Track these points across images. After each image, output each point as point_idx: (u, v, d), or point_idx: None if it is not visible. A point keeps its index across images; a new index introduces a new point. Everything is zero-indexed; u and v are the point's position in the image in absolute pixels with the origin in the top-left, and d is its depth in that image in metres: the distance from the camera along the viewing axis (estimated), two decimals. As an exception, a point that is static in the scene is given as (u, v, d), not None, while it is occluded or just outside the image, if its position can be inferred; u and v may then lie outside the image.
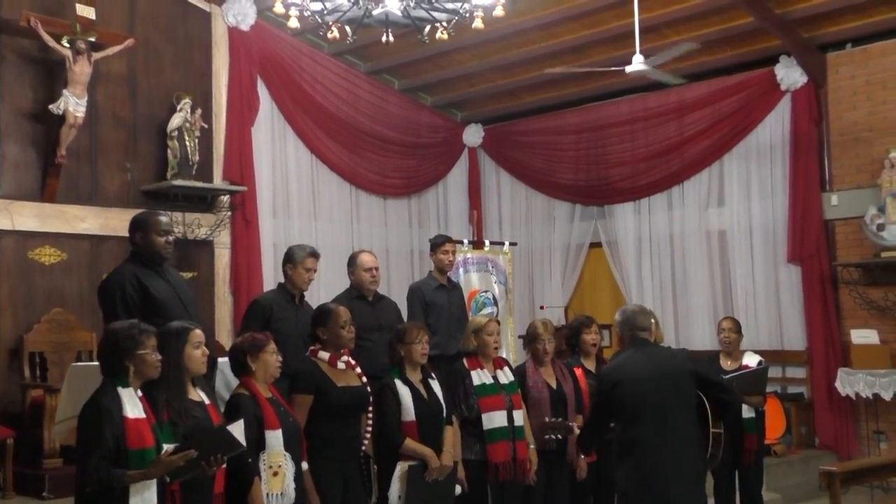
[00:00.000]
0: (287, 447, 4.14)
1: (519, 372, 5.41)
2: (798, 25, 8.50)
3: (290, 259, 5.49)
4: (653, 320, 5.79)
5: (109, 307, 4.46)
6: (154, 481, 3.47)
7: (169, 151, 8.12)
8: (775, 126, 9.01)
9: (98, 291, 4.65)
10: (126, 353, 3.57)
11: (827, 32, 8.58)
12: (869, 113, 8.44)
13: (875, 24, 8.31)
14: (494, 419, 5.01)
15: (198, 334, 3.89)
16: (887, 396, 7.90)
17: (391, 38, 5.40)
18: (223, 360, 4.75)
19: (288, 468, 4.12)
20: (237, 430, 3.65)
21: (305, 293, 5.58)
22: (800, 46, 8.60)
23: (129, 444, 3.44)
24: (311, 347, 4.74)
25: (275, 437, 4.10)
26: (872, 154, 8.33)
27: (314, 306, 5.18)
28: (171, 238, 4.69)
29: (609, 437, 4.39)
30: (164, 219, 4.70)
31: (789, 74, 8.76)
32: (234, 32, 8.81)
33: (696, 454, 4.15)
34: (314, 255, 5.50)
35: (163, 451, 3.49)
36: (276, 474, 4.08)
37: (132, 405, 3.52)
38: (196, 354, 3.85)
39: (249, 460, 3.94)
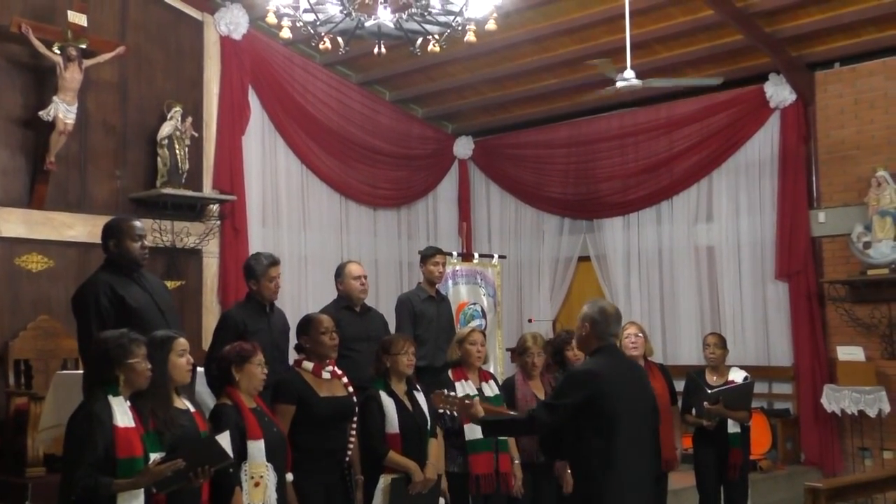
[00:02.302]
0: (270, 458, 4.11)
1: (508, 385, 5.42)
2: (787, 44, 8.57)
3: (251, 275, 5.29)
4: (640, 334, 5.84)
5: (83, 318, 4.38)
6: (142, 491, 3.45)
7: (159, 159, 8.10)
8: (764, 143, 9.06)
9: (72, 301, 4.54)
10: (116, 363, 3.56)
11: (816, 51, 8.65)
12: (856, 131, 8.50)
13: (863, 43, 8.38)
14: (476, 430, 4.96)
15: (182, 343, 3.88)
16: (872, 413, 7.93)
17: (383, 50, 5.41)
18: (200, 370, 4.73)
19: (270, 479, 4.10)
20: (224, 441, 3.63)
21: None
22: (789, 65, 8.66)
23: (119, 452, 3.43)
24: (296, 358, 4.73)
25: (257, 448, 4.08)
26: (859, 172, 8.39)
27: (296, 315, 5.15)
28: (146, 242, 4.59)
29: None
30: (137, 223, 4.61)
31: (778, 92, 8.82)
32: (225, 41, 8.81)
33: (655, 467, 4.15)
34: (275, 262, 5.32)
35: (151, 461, 3.47)
36: (257, 485, 4.06)
37: (122, 414, 3.51)
38: (180, 363, 3.84)
39: (231, 470, 3.91)
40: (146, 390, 3.67)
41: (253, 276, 5.30)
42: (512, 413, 4.62)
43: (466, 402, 4.20)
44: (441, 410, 4.45)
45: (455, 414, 4.39)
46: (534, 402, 5.25)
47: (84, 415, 3.48)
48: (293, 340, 5.31)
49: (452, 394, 4.29)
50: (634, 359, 5.72)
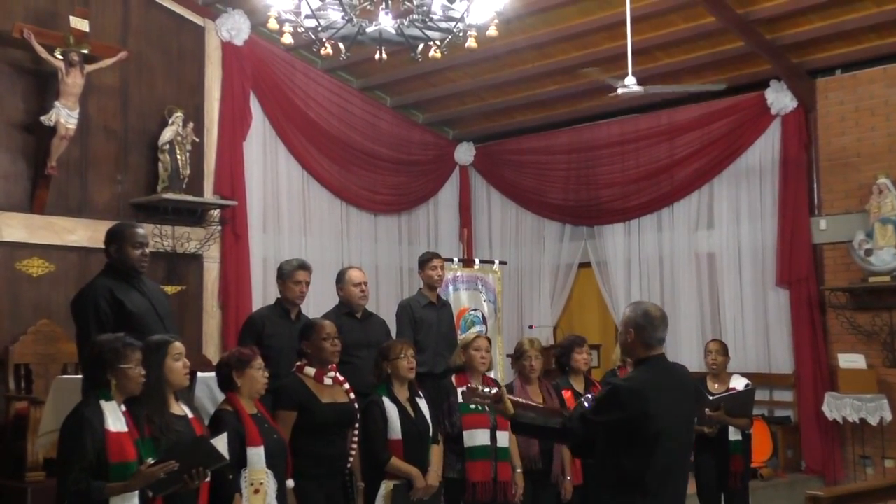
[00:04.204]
0: (269, 464, 4.10)
1: (507, 391, 5.39)
2: (788, 51, 8.57)
3: (280, 274, 5.55)
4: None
5: (82, 322, 4.40)
6: (136, 494, 3.44)
7: (160, 165, 8.10)
8: (765, 150, 9.06)
9: (71, 305, 4.56)
10: (109, 367, 3.56)
11: (817, 58, 8.65)
12: (857, 138, 8.50)
13: (864, 51, 8.39)
14: (476, 437, 4.98)
15: (177, 346, 3.87)
16: (874, 421, 7.91)
17: (384, 56, 5.40)
18: (204, 375, 4.72)
19: (270, 486, 4.09)
20: (221, 443, 3.62)
21: (301, 307, 5.57)
22: (790, 72, 8.66)
23: (111, 457, 3.42)
24: (298, 363, 4.72)
25: (256, 454, 4.07)
26: (861, 179, 8.38)
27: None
28: (146, 250, 4.62)
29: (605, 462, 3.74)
30: (140, 230, 4.64)
31: (779, 99, 8.81)
32: (227, 47, 8.82)
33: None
34: (303, 267, 5.51)
35: (143, 463, 3.46)
36: (257, 492, 4.04)
37: (114, 418, 3.50)
38: (177, 367, 3.83)
39: (230, 477, 3.90)
40: (142, 395, 3.66)
41: (280, 276, 5.53)
42: (545, 408, 4.37)
43: (498, 397, 3.87)
44: (473, 406, 4.44)
45: (487, 409, 4.28)
46: (531, 408, 5.23)
47: (74, 420, 3.48)
48: None
49: (486, 389, 4.04)
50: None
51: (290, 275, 5.46)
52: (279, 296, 5.61)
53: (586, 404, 4.62)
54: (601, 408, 3.61)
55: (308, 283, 5.55)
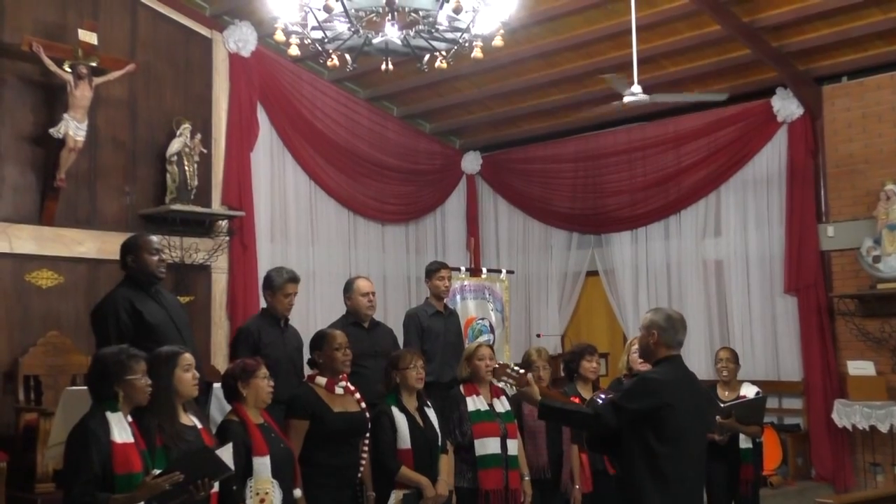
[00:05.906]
0: (276, 474, 4.11)
1: (515, 400, 5.40)
2: (794, 58, 8.57)
3: (269, 285, 5.44)
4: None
5: (103, 333, 4.44)
6: None
7: (168, 176, 8.14)
8: (772, 157, 9.06)
9: (91, 317, 4.61)
10: (115, 379, 3.57)
11: (823, 65, 8.65)
12: (865, 145, 8.49)
13: (870, 57, 8.38)
14: (487, 445, 4.99)
15: (187, 357, 3.89)
16: (884, 429, 7.88)
17: (391, 66, 5.42)
18: (218, 386, 4.74)
19: (275, 495, 4.09)
20: (226, 453, 3.62)
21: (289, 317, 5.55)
22: (796, 79, 8.67)
23: (116, 468, 3.43)
24: (309, 373, 4.74)
25: (262, 464, 4.08)
26: (868, 186, 8.37)
27: (305, 330, 5.17)
28: (163, 256, 4.69)
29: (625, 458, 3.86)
30: (154, 238, 4.72)
31: (786, 106, 8.81)
32: (234, 58, 8.87)
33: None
34: (294, 279, 5.45)
35: (149, 474, 3.47)
36: (262, 501, 4.05)
37: (120, 430, 3.51)
38: (186, 377, 3.85)
39: (234, 488, 3.90)
40: (151, 405, 3.68)
41: (270, 288, 5.43)
42: (573, 402, 4.49)
43: (526, 380, 4.07)
44: (501, 383, 4.55)
45: (514, 389, 4.32)
46: (541, 417, 5.24)
47: (80, 432, 3.50)
48: (306, 357, 5.36)
49: (517, 368, 4.17)
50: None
51: (282, 287, 5.39)
52: (264, 306, 5.54)
53: (598, 401, 4.71)
54: (631, 395, 3.80)
55: (296, 295, 5.49)
